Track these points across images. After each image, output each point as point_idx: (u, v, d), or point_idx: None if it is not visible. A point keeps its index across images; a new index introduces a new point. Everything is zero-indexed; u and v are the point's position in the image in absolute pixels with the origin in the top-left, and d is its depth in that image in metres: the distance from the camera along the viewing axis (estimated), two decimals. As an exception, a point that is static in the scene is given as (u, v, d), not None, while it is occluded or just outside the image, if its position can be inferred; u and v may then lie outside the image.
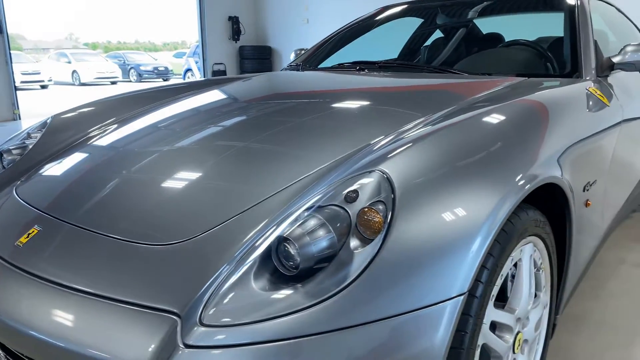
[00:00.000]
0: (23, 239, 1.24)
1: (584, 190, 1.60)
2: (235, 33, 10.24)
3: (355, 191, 1.04)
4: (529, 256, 1.25)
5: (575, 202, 1.47)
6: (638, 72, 2.45)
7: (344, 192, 1.05)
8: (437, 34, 3.09)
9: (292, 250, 0.97)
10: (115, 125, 1.85)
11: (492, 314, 1.11)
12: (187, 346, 0.88)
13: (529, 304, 1.26)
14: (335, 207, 1.03)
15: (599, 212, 1.84)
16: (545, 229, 1.31)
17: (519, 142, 1.26)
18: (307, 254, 0.96)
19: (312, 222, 1.00)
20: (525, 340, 1.31)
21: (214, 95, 2.08)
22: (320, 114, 1.66)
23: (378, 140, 1.30)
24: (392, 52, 3.18)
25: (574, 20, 2.18)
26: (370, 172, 1.07)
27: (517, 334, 1.25)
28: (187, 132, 1.63)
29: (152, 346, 0.90)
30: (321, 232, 0.98)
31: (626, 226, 3.05)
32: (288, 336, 0.87)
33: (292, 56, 3.13)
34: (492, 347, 1.14)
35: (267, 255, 0.99)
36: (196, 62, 12.69)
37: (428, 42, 3.02)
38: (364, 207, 1.00)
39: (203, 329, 0.89)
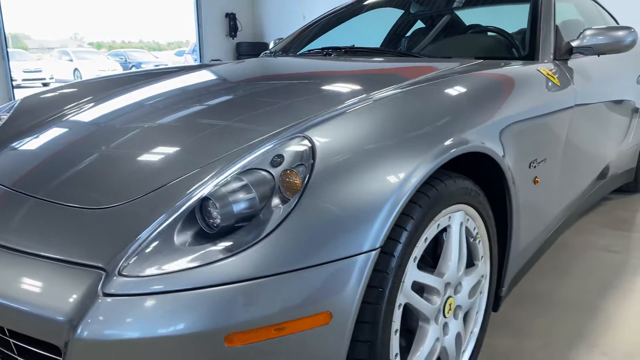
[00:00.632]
0: (-26, 207, 1.30)
1: (530, 167, 1.64)
2: (232, 30, 10.30)
3: (281, 155, 1.09)
4: (459, 223, 1.29)
5: (517, 176, 1.52)
6: (606, 59, 2.51)
7: (270, 157, 1.10)
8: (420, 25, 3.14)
9: (214, 210, 1.02)
10: (91, 104, 1.91)
11: (414, 274, 1.16)
12: (106, 295, 0.93)
13: (459, 270, 1.31)
14: (261, 171, 1.08)
15: (552, 191, 1.88)
16: (479, 199, 1.36)
17: (449, 114, 1.30)
18: (227, 213, 1.01)
19: (235, 184, 1.05)
20: (459, 306, 1.35)
21: (183, 80, 2.13)
22: (275, 93, 1.72)
23: (319, 114, 1.35)
24: (372, 41, 3.23)
25: (537, 6, 2.21)
26: (296, 137, 1.13)
27: (448, 298, 1.29)
28: (151, 111, 1.69)
29: (74, 297, 0.96)
30: (242, 194, 1.03)
31: (599, 212, 3.08)
32: (199, 285, 0.92)
33: (271, 45, 3.18)
34: (416, 307, 1.19)
35: (191, 214, 1.04)
36: (195, 60, 12.75)
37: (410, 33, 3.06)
38: (287, 170, 1.05)
39: (121, 279, 0.95)
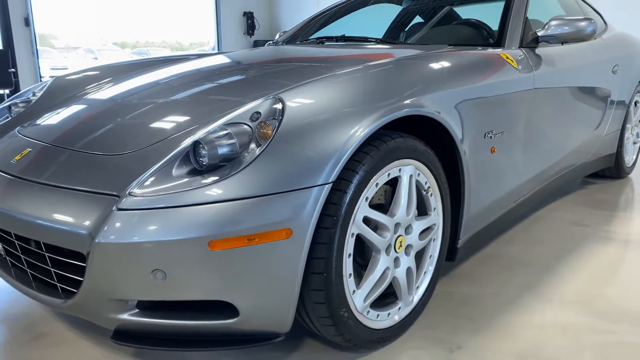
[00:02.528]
0: (17, 157, 1.61)
1: (485, 137, 1.90)
2: (250, 28, 10.66)
3: (259, 112, 1.38)
4: (409, 175, 1.55)
5: (470, 143, 1.78)
6: (580, 50, 2.74)
7: (250, 113, 1.39)
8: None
9: (203, 151, 1.31)
10: (111, 83, 2.23)
11: (365, 210, 1.43)
12: (119, 210, 1.23)
13: (409, 214, 1.57)
14: (242, 124, 1.37)
15: (512, 162, 2.13)
16: (428, 157, 1.62)
17: (405, 85, 1.57)
18: (213, 154, 1.30)
19: (220, 133, 1.34)
20: (410, 245, 1.62)
21: (190, 65, 2.44)
22: (267, 72, 2.01)
23: (293, 83, 1.62)
24: (375, 32, 3.50)
25: (511, 1, 2.46)
26: (271, 98, 1.41)
27: (399, 236, 1.56)
28: (165, 86, 1.99)
29: (95, 214, 1.26)
30: (225, 140, 1.32)
31: (579, 194, 3.31)
32: (189, 203, 1.21)
33: (277, 37, 3.48)
34: (368, 238, 1.46)
35: (187, 155, 1.34)
36: (214, 57, 13.14)
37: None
38: (262, 122, 1.34)
39: (131, 198, 1.25)
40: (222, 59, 2.44)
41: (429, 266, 1.74)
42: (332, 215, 1.34)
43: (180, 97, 1.80)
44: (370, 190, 1.44)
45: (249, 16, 10.65)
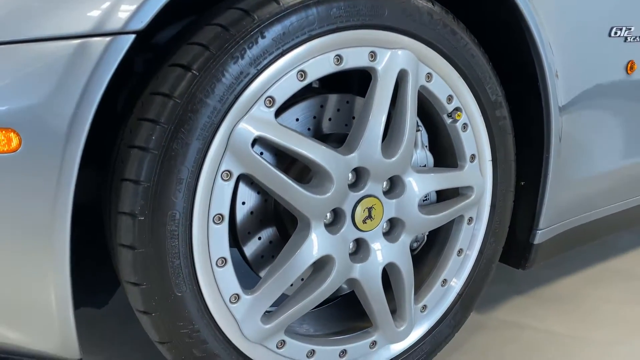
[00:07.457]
0: None
1: (612, 35, 0.98)
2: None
3: None
4: (398, 69, 0.72)
5: (566, 41, 0.89)
6: None
7: None
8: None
9: None
10: None
11: (256, 121, 0.65)
12: None
13: (396, 149, 0.74)
14: None
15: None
16: (457, 43, 0.77)
17: None
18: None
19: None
20: (398, 221, 0.79)
21: None
22: None
23: None
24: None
25: None
26: None
27: (365, 197, 0.74)
28: None
29: None
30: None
31: None
32: None
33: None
34: (265, 185, 0.68)
35: None
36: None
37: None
38: None
39: None
40: None
41: (456, 273, 0.88)
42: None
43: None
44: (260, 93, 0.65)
45: None
